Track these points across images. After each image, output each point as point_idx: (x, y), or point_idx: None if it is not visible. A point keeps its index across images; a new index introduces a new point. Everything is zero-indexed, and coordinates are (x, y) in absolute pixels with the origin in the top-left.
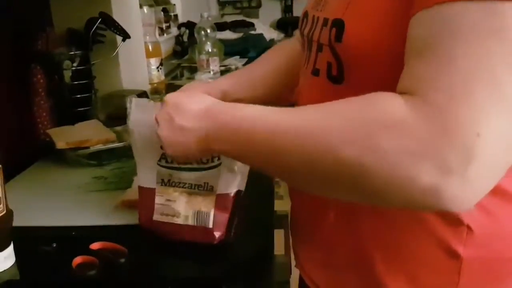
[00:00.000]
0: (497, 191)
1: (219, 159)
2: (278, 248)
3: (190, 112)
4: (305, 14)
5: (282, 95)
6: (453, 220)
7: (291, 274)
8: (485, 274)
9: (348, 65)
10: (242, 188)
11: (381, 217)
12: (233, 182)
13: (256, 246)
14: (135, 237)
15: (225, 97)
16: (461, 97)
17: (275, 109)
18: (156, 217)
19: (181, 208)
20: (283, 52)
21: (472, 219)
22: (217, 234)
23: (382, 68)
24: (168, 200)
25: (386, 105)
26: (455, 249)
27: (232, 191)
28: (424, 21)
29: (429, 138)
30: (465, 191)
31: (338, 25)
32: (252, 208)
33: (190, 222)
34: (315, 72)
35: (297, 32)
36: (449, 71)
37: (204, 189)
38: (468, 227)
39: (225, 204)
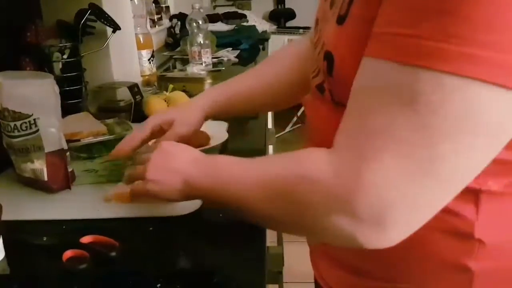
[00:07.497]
0: (508, 202)
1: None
2: (271, 239)
3: (181, 157)
4: (317, 22)
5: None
6: (463, 236)
7: (283, 265)
8: (498, 284)
9: (345, 95)
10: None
11: None
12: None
13: (248, 237)
14: (126, 230)
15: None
16: (368, 159)
17: (239, 162)
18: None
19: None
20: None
21: (484, 232)
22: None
23: None
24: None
25: (310, 163)
26: (465, 264)
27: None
28: (363, 69)
29: (341, 195)
30: (379, 237)
31: (329, 58)
32: None
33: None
34: (321, 89)
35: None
36: (364, 130)
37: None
38: (480, 241)
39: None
